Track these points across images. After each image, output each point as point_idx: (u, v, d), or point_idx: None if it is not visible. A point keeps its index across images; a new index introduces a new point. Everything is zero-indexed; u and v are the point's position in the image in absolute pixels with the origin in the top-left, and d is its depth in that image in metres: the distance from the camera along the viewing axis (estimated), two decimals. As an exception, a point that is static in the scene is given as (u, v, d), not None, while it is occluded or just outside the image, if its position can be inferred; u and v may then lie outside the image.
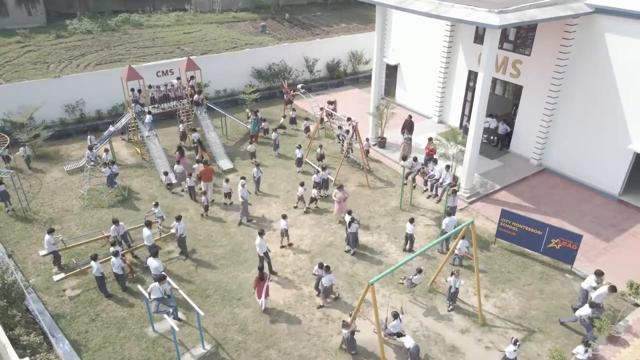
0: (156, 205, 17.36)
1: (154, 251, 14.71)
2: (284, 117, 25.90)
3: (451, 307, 14.34)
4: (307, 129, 24.70)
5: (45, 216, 18.22)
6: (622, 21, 17.50)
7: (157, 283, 12.52)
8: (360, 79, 32.29)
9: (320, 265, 14.12)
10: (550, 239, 15.68)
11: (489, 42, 17.00)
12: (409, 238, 16.66)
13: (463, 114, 24.78)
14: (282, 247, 16.89)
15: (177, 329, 11.72)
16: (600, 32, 18.25)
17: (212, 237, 17.42)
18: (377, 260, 16.49)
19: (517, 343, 12.13)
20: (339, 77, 31.53)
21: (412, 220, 16.54)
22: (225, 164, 21.67)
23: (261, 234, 15.17)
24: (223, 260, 16.33)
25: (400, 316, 12.77)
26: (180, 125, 23.47)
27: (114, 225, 15.77)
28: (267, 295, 14.12)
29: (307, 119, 25.23)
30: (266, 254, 15.40)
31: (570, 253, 15.44)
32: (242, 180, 17.91)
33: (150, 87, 22.04)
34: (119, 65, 33.32)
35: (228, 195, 18.99)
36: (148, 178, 20.89)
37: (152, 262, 14.21)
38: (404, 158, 20.40)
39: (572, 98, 19.82)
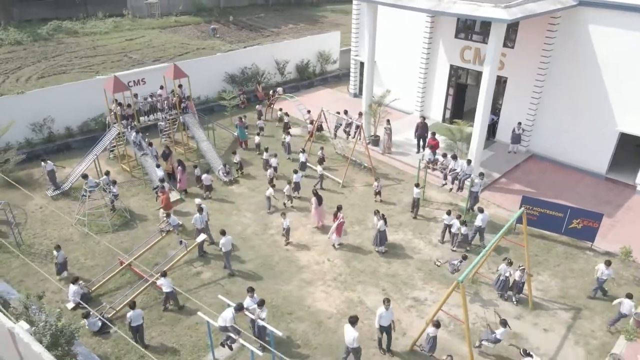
0: (168, 215, 16.21)
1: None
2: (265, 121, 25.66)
3: (505, 296, 14.65)
4: (281, 119, 24.86)
5: (43, 248, 16.31)
6: (605, 12, 18.85)
7: (232, 310, 11.55)
8: (329, 79, 32.20)
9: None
10: (571, 220, 16.57)
11: (495, 38, 17.54)
12: (416, 203, 18.19)
13: (445, 108, 25.51)
14: (287, 243, 16.92)
15: (260, 353, 10.95)
16: (583, 23, 19.53)
17: (237, 254, 16.49)
18: (410, 257, 16.53)
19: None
20: (309, 78, 31.20)
21: (417, 185, 17.96)
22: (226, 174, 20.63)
23: (353, 323, 11.77)
24: (259, 276, 15.55)
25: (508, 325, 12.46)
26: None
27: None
28: (337, 234, 16.25)
29: (286, 114, 25.04)
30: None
31: (592, 231, 16.44)
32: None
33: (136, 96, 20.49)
34: (64, 77, 30.80)
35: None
36: (145, 196, 19.36)
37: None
38: (388, 149, 22.20)
39: (557, 87, 21.06)
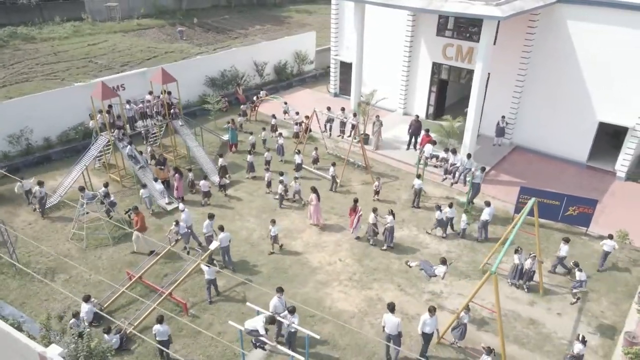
0: (177, 223, 15.76)
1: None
2: (248, 120, 25.64)
3: (517, 284, 15.12)
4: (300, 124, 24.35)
5: (41, 267, 15.41)
6: (582, 8, 19.81)
7: (263, 319, 11.29)
8: (307, 79, 32.14)
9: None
10: (567, 207, 17.33)
11: (486, 35, 18.09)
12: (417, 193, 18.77)
13: (428, 104, 26.03)
14: (272, 253, 16.46)
15: (302, 358, 10.80)
16: (562, 19, 20.42)
17: (247, 260, 16.23)
18: (419, 251, 16.79)
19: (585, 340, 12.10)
20: (288, 78, 31.05)
21: (419, 176, 18.69)
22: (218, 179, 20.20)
23: (393, 310, 12.14)
24: (273, 280, 15.33)
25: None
26: (148, 147, 21.37)
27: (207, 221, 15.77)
28: (351, 225, 16.80)
29: (273, 115, 24.83)
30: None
31: (587, 217, 17.25)
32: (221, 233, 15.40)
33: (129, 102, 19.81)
34: (27, 85, 29.37)
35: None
36: (140, 207, 18.60)
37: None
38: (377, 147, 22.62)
39: (538, 81, 21.91)
